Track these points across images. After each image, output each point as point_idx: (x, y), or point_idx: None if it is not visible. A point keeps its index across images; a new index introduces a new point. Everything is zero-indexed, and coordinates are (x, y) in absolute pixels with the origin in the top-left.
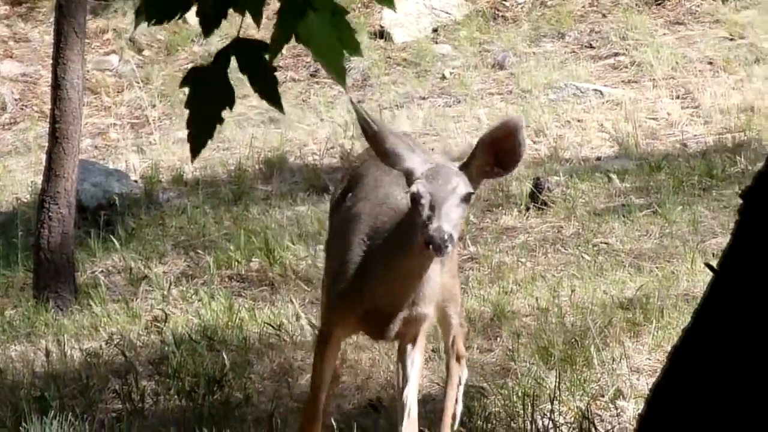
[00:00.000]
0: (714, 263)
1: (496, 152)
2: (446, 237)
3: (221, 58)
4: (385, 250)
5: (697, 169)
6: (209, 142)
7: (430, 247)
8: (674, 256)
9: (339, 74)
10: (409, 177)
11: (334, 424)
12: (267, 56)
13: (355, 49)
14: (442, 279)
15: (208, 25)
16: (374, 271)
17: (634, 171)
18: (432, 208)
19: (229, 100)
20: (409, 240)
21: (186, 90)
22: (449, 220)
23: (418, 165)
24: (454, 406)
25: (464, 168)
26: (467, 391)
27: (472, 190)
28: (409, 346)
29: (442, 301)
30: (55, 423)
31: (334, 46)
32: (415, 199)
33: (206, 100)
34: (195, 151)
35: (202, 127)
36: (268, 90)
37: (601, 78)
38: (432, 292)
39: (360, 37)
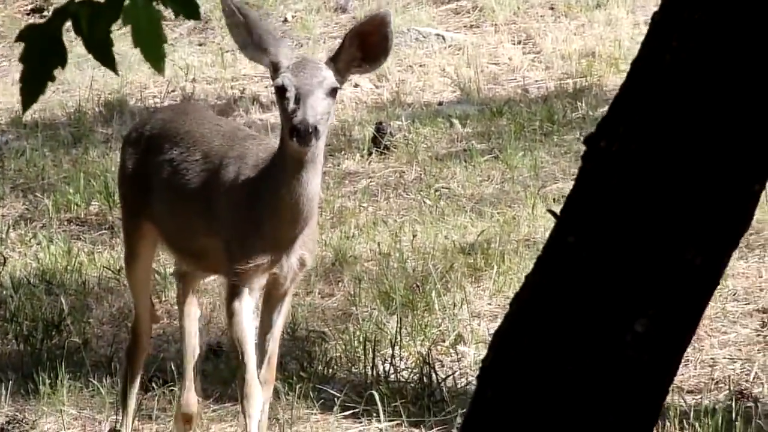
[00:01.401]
0: (555, 208)
1: (364, 46)
2: (310, 129)
3: (57, 17)
4: (265, 175)
5: (538, 115)
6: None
7: (294, 138)
8: (515, 201)
9: (156, 61)
10: (275, 70)
11: (174, 370)
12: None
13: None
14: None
15: None
16: (262, 197)
17: (475, 116)
18: (297, 100)
19: (61, 60)
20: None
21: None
22: (315, 113)
23: (284, 58)
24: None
25: (332, 61)
26: (308, 336)
27: (338, 84)
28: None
29: None
30: None
31: (155, 32)
32: (280, 92)
33: (39, 57)
34: (26, 105)
35: (33, 83)
36: (102, 52)
37: (443, 23)
38: (313, 208)
39: None
